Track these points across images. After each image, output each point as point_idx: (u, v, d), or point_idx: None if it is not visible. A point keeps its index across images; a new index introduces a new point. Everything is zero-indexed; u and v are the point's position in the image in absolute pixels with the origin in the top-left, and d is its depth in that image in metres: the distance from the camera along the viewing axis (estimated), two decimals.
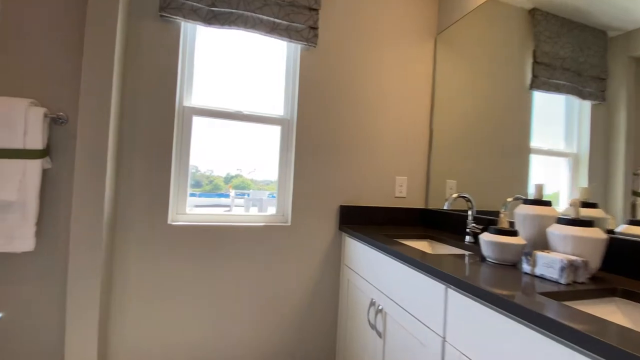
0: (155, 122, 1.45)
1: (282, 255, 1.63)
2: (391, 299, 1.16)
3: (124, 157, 1.40)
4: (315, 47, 1.68)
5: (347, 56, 1.75)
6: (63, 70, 1.34)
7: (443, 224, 1.70)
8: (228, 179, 1.72)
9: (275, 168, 1.73)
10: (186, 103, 1.56)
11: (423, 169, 1.90)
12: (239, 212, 1.71)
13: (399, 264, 1.13)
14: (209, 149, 1.65)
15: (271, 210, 1.76)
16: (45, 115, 1.25)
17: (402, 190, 1.86)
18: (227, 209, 1.76)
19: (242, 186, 1.75)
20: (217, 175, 1.69)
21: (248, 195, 1.79)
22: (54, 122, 1.32)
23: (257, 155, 1.72)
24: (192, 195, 1.63)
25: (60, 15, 1.33)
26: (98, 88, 1.27)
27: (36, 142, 1.22)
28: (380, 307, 1.23)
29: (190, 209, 1.59)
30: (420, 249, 1.53)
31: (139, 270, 1.41)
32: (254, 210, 1.79)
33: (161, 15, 1.42)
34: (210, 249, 1.52)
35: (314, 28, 1.63)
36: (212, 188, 1.70)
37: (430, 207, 1.84)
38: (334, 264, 1.72)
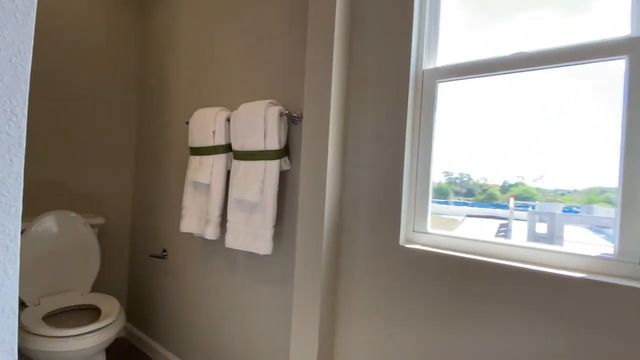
0: (385, 100, 1.04)
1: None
2: None
3: (348, 159, 1.11)
4: None
5: None
6: (300, 65, 1.25)
7: None
8: (505, 188, 1.00)
9: (581, 168, 0.79)
10: (427, 65, 1.03)
11: None
12: (519, 235, 0.94)
13: None
14: (466, 136, 1.02)
15: (578, 236, 0.83)
16: (281, 114, 1.19)
17: None
18: (502, 226, 1.04)
19: (523, 196, 0.95)
20: (491, 183, 1.02)
21: (533, 207, 0.97)
22: (292, 122, 1.26)
23: (555, 149, 0.87)
24: (458, 204, 1.08)
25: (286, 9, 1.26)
26: (317, 80, 1.05)
27: (273, 142, 1.19)
28: None
29: (455, 224, 1.03)
30: None
31: (365, 290, 1.05)
32: (541, 228, 0.96)
33: None
34: (462, 294, 0.89)
35: None
36: (485, 198, 1.06)
37: None
38: None
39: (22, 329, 1.24)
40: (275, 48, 1.33)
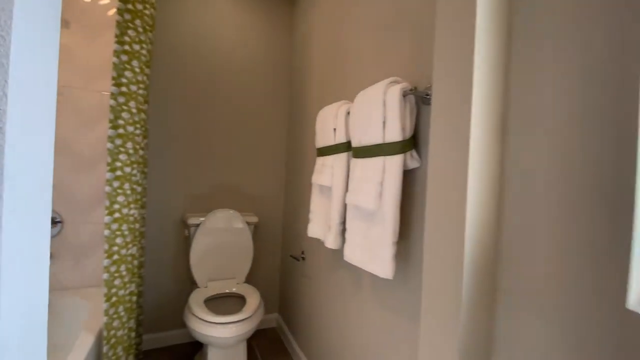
0: (596, 55, 0.56)
1: None
2: None
3: (513, 156, 0.68)
4: None
5: None
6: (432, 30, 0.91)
7: None
8: None
9: None
10: None
11: None
12: None
13: None
14: None
15: None
16: (405, 94, 0.89)
17: None
18: None
19: None
20: None
21: None
22: (422, 102, 0.93)
23: None
24: None
25: None
26: (451, 30, 0.69)
27: (394, 131, 0.90)
28: None
29: None
30: None
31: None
32: None
33: None
34: None
35: None
36: None
37: None
38: None
39: (188, 306, 1.51)
40: (410, 15, 1.05)
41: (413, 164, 0.92)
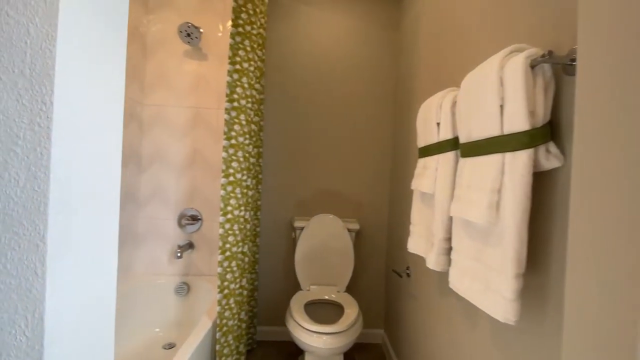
0: None
1: None
2: None
3: None
4: None
5: None
6: None
7: None
8: None
9: None
10: None
11: None
12: None
13: None
14: None
15: None
16: (533, 63, 0.63)
17: None
18: None
19: None
20: None
21: None
22: (564, 72, 0.64)
23: None
24: None
25: None
26: None
27: (517, 118, 0.64)
28: None
29: None
30: None
31: None
32: None
33: None
34: None
35: None
36: None
37: None
38: None
39: (289, 308, 1.54)
40: None
41: (550, 162, 0.64)
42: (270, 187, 2.06)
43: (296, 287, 2.03)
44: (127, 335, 1.68)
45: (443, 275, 1.17)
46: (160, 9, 2.05)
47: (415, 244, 1.19)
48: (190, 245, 2.02)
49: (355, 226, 1.90)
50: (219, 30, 2.04)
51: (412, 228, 1.23)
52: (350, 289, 2.07)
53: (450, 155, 0.96)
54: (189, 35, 1.93)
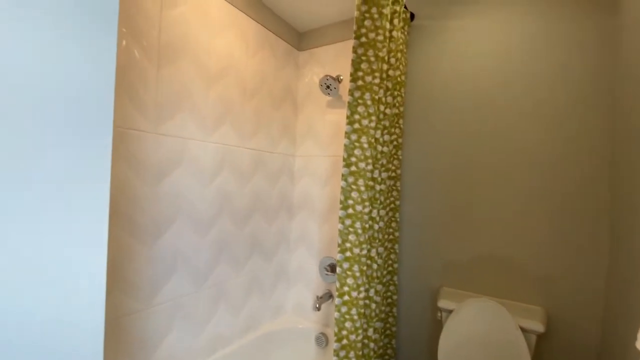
0: None
1: None
2: None
3: None
4: None
5: None
6: None
7: None
8: None
9: None
10: None
11: None
12: None
13: None
14: None
15: None
16: None
17: None
18: None
19: None
20: None
21: None
22: None
23: None
24: None
25: None
26: None
27: None
28: None
29: None
30: None
31: None
32: None
33: None
34: None
35: None
36: None
37: None
38: None
39: None
40: None
41: None
42: (407, 238, 1.73)
43: None
44: None
45: None
46: (305, 64, 2.20)
47: None
48: (329, 296, 2.01)
49: (537, 325, 1.27)
50: None
51: None
52: None
53: None
54: (328, 87, 1.94)
